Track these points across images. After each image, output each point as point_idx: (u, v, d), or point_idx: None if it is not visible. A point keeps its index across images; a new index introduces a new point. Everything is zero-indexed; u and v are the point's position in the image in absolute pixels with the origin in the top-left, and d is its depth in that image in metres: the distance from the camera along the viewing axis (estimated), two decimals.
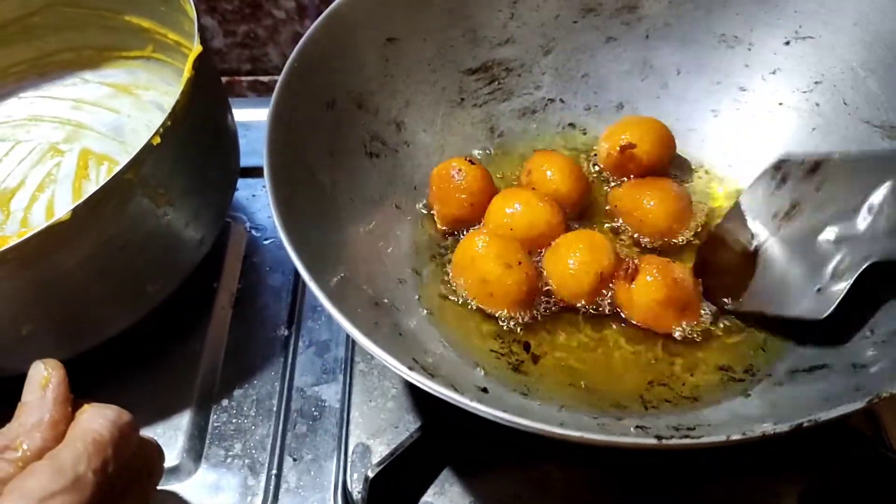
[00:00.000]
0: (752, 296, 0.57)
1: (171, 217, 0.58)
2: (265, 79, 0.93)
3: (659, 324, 0.57)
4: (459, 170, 0.62)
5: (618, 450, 0.53)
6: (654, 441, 0.38)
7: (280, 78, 0.57)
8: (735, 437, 0.38)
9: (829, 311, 0.52)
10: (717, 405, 0.52)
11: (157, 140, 0.54)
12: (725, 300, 0.58)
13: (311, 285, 0.46)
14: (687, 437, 0.38)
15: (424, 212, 0.65)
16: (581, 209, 0.65)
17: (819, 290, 0.53)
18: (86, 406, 0.46)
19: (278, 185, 0.52)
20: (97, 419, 0.44)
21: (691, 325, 0.57)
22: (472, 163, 0.63)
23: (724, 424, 0.49)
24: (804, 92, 0.64)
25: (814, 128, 0.63)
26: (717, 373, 0.54)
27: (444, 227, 0.64)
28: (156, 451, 0.50)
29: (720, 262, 0.61)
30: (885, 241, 0.52)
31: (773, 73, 0.66)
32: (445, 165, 0.63)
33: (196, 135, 0.59)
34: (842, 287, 0.52)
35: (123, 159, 0.70)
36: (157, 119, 0.74)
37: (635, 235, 0.63)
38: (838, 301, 0.51)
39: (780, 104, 0.65)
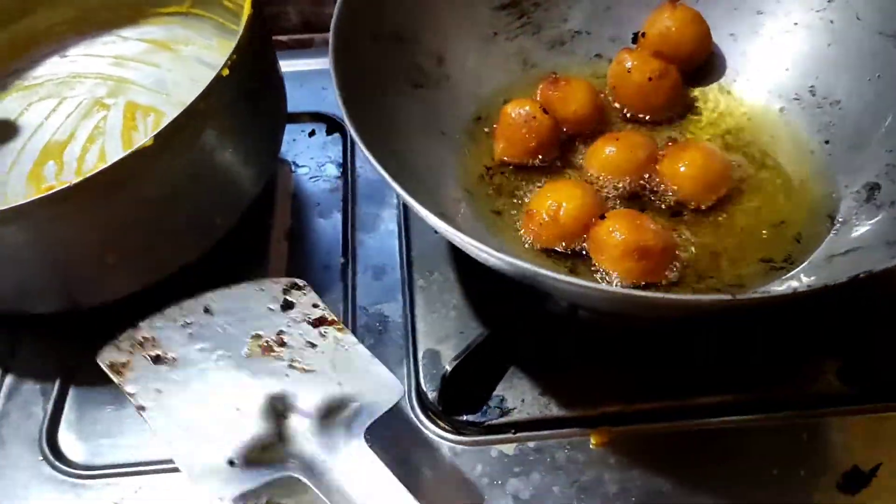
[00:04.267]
0: None
1: (234, 151, 0.61)
2: (284, 38, 0.95)
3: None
4: (534, 117, 0.64)
5: (678, 330, 0.57)
6: (729, 297, 0.42)
7: (335, 11, 0.60)
8: (802, 289, 0.42)
9: None
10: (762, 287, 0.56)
11: (226, 72, 0.57)
12: None
13: (377, 166, 0.50)
14: (756, 293, 0.42)
15: (472, 139, 0.68)
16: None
17: None
18: None
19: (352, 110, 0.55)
20: None
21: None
22: (546, 111, 0.65)
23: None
24: (818, 11, 0.68)
25: (829, 43, 0.68)
26: (759, 264, 0.58)
27: (500, 160, 0.67)
28: None
29: None
30: None
31: None
32: (518, 105, 0.65)
33: (254, 72, 0.62)
34: None
35: (169, 110, 0.74)
36: (199, 72, 0.77)
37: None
38: None
39: (796, 24, 0.69)
